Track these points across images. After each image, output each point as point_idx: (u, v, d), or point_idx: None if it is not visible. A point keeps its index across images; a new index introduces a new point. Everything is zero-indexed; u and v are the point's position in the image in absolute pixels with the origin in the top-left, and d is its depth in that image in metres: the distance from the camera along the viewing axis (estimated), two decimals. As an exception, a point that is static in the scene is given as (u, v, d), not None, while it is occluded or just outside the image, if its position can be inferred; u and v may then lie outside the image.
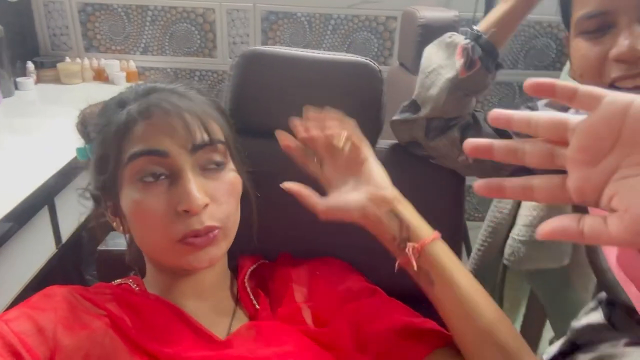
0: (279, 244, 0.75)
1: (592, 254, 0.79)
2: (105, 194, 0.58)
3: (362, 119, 0.75)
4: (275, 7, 1.82)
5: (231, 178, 0.59)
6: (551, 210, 1.02)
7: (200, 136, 0.55)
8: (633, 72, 0.58)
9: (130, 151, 0.54)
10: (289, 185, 0.59)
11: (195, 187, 0.53)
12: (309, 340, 0.58)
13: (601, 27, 0.59)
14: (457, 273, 0.57)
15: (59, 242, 1.10)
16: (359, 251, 0.72)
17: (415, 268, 0.57)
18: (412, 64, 1.30)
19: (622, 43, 0.57)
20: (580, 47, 0.62)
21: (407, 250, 0.57)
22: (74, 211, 1.15)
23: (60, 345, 0.48)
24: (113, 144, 0.55)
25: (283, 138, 0.62)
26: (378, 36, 1.88)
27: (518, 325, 1.28)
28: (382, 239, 0.61)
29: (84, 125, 0.62)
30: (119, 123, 0.55)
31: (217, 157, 0.57)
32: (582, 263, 1.06)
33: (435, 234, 0.59)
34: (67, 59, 1.78)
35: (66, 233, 1.13)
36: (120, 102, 0.58)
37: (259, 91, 0.75)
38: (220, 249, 0.57)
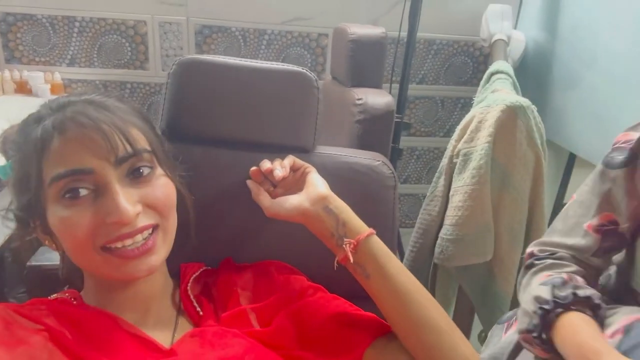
0: (221, 251, 0.75)
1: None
2: (31, 213, 0.55)
3: (299, 125, 0.78)
4: (208, 21, 1.83)
5: (162, 182, 0.58)
6: (475, 209, 1.11)
7: (123, 148, 0.54)
8: None
9: (52, 173, 0.52)
10: (251, 178, 0.72)
11: (124, 198, 0.52)
12: (254, 341, 0.60)
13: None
14: (391, 266, 0.61)
15: (-20, 261, 1.03)
16: (301, 255, 0.74)
17: (352, 261, 0.61)
18: (344, 77, 1.36)
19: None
20: None
21: (344, 245, 0.61)
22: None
23: None
24: (33, 163, 0.53)
25: (253, 169, 0.72)
26: (311, 52, 1.94)
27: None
28: (321, 237, 0.65)
29: (4, 143, 0.60)
30: (35, 140, 0.53)
31: (144, 165, 0.56)
32: (503, 258, 1.15)
33: (370, 230, 0.63)
34: (-14, 71, 1.68)
35: (-12, 252, 1.06)
36: (37, 119, 0.55)
37: (197, 99, 0.76)
38: (159, 256, 0.56)
